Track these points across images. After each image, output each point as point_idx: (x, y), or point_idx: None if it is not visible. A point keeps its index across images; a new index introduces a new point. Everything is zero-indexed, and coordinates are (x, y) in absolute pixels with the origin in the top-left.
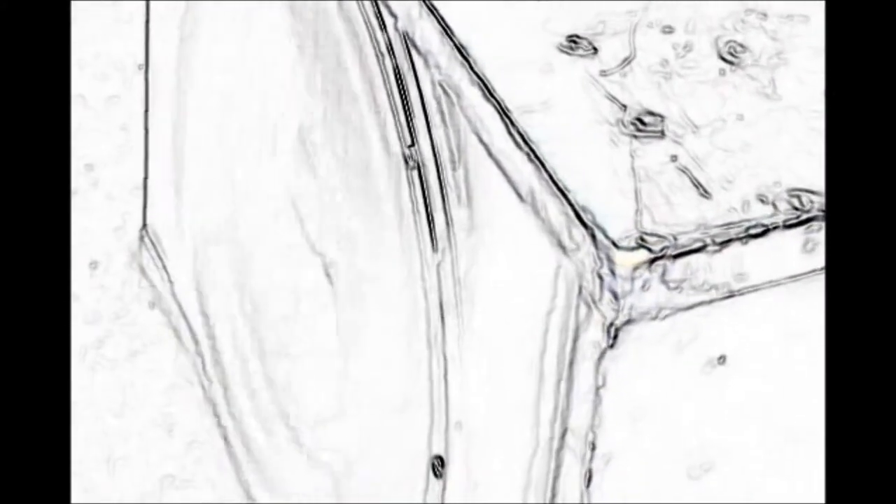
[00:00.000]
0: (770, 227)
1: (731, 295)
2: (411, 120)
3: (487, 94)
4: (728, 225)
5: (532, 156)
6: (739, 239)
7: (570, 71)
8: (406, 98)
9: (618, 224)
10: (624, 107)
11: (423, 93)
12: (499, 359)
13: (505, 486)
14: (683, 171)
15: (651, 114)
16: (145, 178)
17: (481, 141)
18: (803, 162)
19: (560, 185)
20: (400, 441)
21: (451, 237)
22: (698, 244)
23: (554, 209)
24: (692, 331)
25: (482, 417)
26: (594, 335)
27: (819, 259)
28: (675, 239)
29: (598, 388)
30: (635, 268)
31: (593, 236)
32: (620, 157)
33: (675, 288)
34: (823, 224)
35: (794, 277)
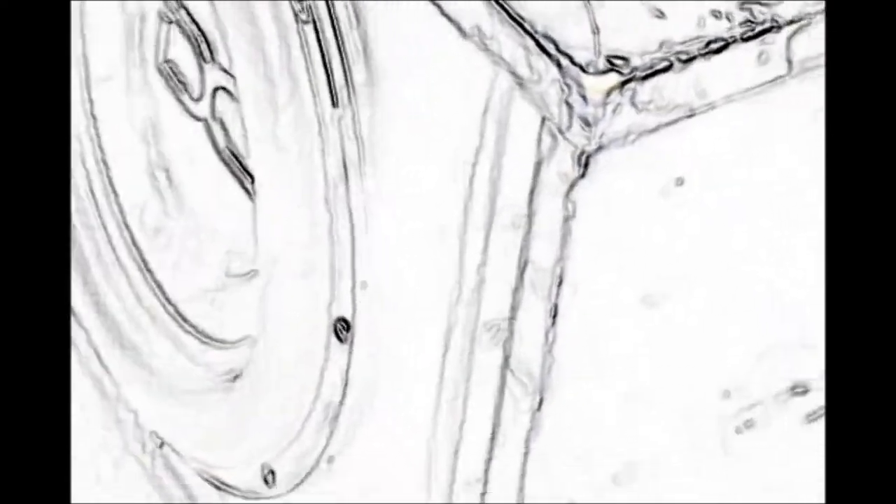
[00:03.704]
0: (729, 40)
1: (692, 113)
2: None
3: None
4: (689, 42)
5: None
6: (702, 55)
7: None
8: None
9: (577, 52)
10: None
11: None
12: (413, 212)
13: (420, 344)
14: None
15: None
16: None
17: None
18: None
19: (514, 14)
20: (303, 307)
21: (351, 91)
22: (665, 63)
23: (508, 42)
24: (656, 153)
25: (392, 274)
26: (561, 166)
27: (772, 70)
28: (642, 59)
29: (566, 219)
30: (608, 92)
31: (558, 64)
32: None
33: (643, 110)
34: (777, 37)
35: (750, 90)
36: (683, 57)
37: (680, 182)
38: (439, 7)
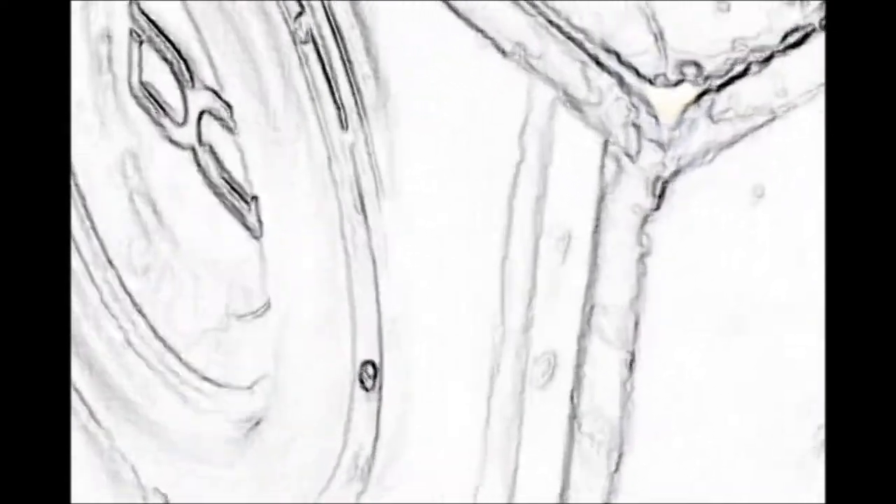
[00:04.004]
0: (808, 29)
1: (773, 117)
2: None
3: None
4: (762, 35)
5: None
6: (781, 51)
7: None
8: None
9: (640, 60)
10: None
11: None
12: (444, 244)
13: (460, 387)
14: None
15: None
16: None
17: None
18: None
19: (566, 25)
20: (323, 351)
21: (362, 114)
22: (741, 65)
23: (560, 57)
24: (732, 166)
25: (422, 312)
26: (633, 197)
27: None
28: (715, 63)
29: (642, 256)
30: (684, 109)
31: (621, 80)
32: None
33: (719, 120)
34: None
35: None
36: (760, 56)
37: (760, 194)
38: (475, 27)
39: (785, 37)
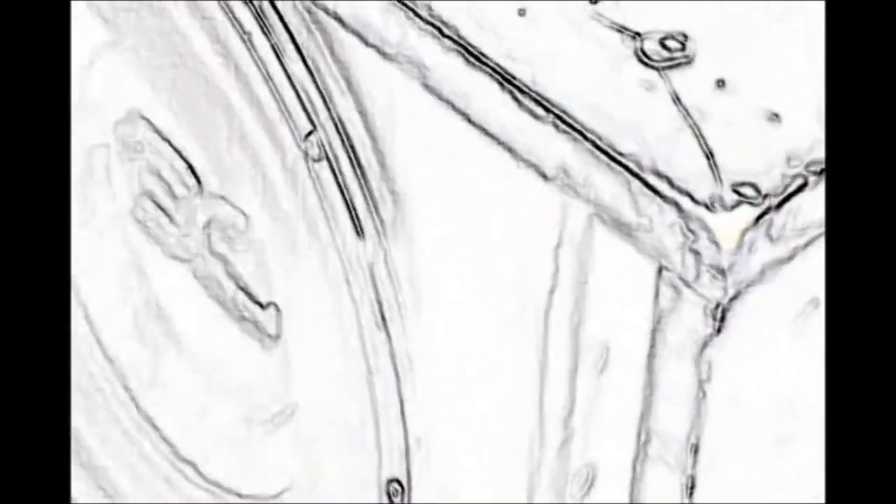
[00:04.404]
0: None
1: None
2: (304, 103)
3: (473, 59)
4: (816, 147)
5: (561, 122)
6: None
7: (551, 9)
8: (291, 78)
9: (692, 181)
10: (637, 34)
11: (315, 66)
12: (473, 359)
13: None
14: (737, 96)
15: (671, 37)
16: None
17: (473, 124)
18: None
19: (609, 150)
20: (347, 470)
21: (378, 227)
22: (798, 180)
23: (606, 183)
24: (788, 281)
25: (454, 431)
26: (690, 322)
27: None
28: (771, 180)
29: (701, 383)
30: (744, 232)
31: (677, 206)
32: (656, 96)
33: (778, 239)
34: None
35: None
36: (817, 168)
37: (816, 305)
38: (517, 153)
39: None
